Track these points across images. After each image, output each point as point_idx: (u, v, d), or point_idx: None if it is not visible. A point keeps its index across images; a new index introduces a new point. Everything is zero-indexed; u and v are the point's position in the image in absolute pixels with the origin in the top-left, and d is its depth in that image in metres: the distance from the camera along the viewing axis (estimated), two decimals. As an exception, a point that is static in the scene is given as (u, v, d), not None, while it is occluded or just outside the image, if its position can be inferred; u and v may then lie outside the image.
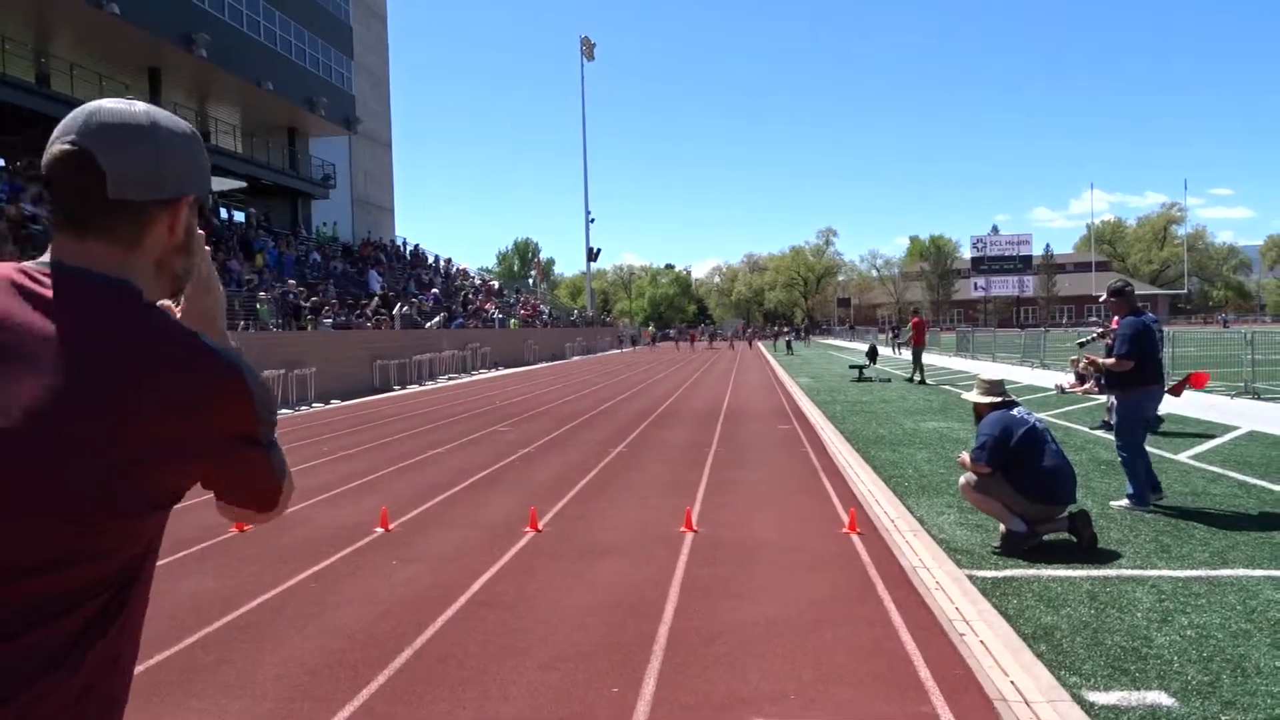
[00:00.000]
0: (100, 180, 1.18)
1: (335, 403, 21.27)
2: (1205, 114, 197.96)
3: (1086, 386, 15.80)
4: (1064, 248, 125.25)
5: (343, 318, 27.12)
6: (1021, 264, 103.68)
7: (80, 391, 1.10)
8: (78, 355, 1.11)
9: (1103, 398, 12.81)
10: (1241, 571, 5.48)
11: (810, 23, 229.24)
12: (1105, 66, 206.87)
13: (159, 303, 1.39)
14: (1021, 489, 6.00)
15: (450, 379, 30.35)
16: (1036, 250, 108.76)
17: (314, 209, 43.55)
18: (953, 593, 5.21)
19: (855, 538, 6.58)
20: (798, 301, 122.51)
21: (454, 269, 52.67)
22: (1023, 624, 4.65)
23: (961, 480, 6.46)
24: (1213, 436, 11.35)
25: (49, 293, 1.15)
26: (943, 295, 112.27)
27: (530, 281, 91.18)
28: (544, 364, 42.56)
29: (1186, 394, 13.80)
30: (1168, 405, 9.70)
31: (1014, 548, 5.97)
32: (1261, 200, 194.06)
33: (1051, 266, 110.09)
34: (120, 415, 1.11)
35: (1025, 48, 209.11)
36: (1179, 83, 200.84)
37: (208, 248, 1.41)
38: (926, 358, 25.42)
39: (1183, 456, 9.80)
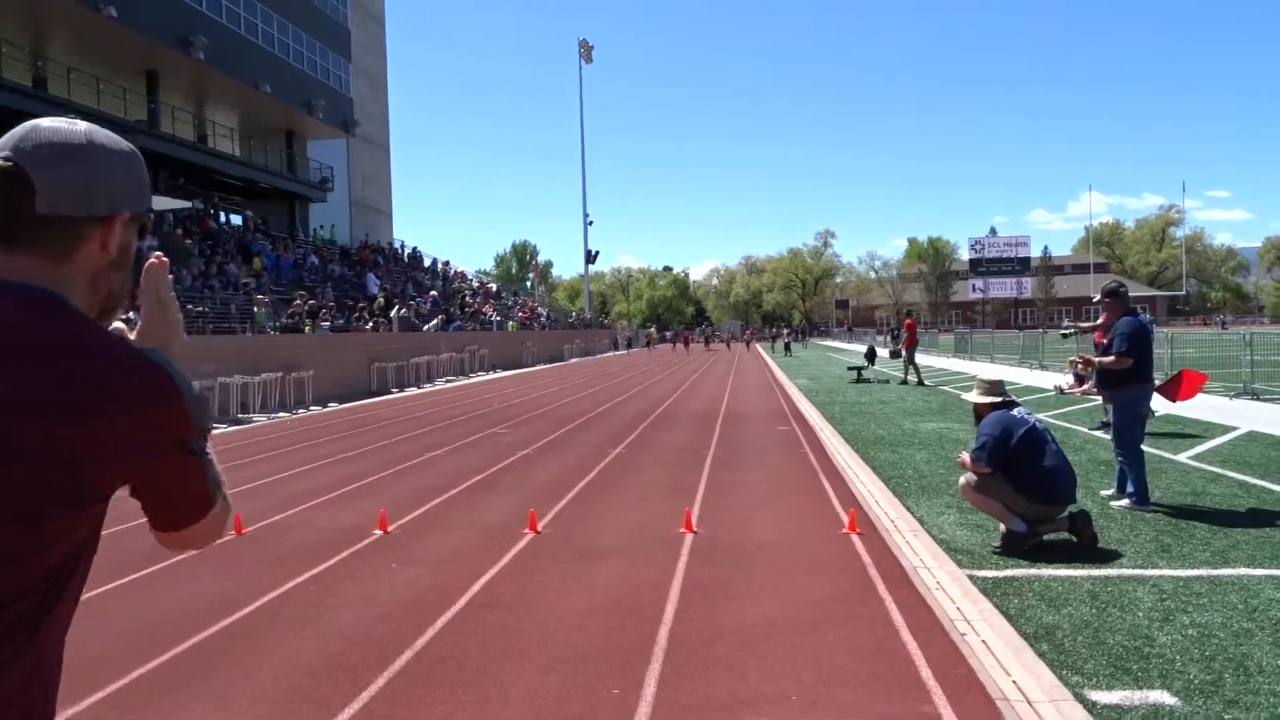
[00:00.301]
0: (30, 195, 1.18)
1: (333, 405, 21.24)
2: (1203, 116, 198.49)
3: (1085, 387, 15.78)
4: (1062, 250, 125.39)
5: (341, 321, 27.10)
6: (1019, 266, 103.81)
7: (3, 395, 1.09)
8: (5, 365, 1.11)
9: (1099, 399, 12.77)
10: (1243, 571, 5.47)
11: (808, 24, 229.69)
12: (1103, 68, 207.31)
13: (113, 325, 1.38)
14: (1021, 489, 5.99)
15: (448, 381, 30.33)
16: (1034, 252, 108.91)
17: (312, 212, 43.53)
18: (953, 593, 5.19)
19: (855, 538, 6.57)
20: (796, 303, 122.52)
21: (452, 272, 52.66)
22: (1024, 623, 4.63)
23: (961, 480, 6.45)
24: (1212, 437, 11.35)
25: None
26: (941, 297, 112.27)
27: (528, 284, 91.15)
28: (542, 366, 42.54)
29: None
30: (1170, 407, 9.70)
31: (1014, 548, 5.95)
32: (1259, 202, 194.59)
33: (1050, 268, 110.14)
34: (46, 418, 1.10)
35: (1023, 50, 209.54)
36: (1177, 85, 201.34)
37: (168, 274, 1.40)
38: (921, 359, 25.39)
39: (1182, 457, 9.79)
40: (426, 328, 33.01)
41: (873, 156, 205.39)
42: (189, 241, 26.26)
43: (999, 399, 6.37)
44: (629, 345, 72.79)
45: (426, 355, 30.27)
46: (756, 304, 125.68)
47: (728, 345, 69.03)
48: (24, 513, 1.11)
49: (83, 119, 1.29)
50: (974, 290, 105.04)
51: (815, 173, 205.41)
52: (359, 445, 13.09)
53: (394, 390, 26.18)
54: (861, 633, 4.60)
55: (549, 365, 43.70)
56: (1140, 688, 3.82)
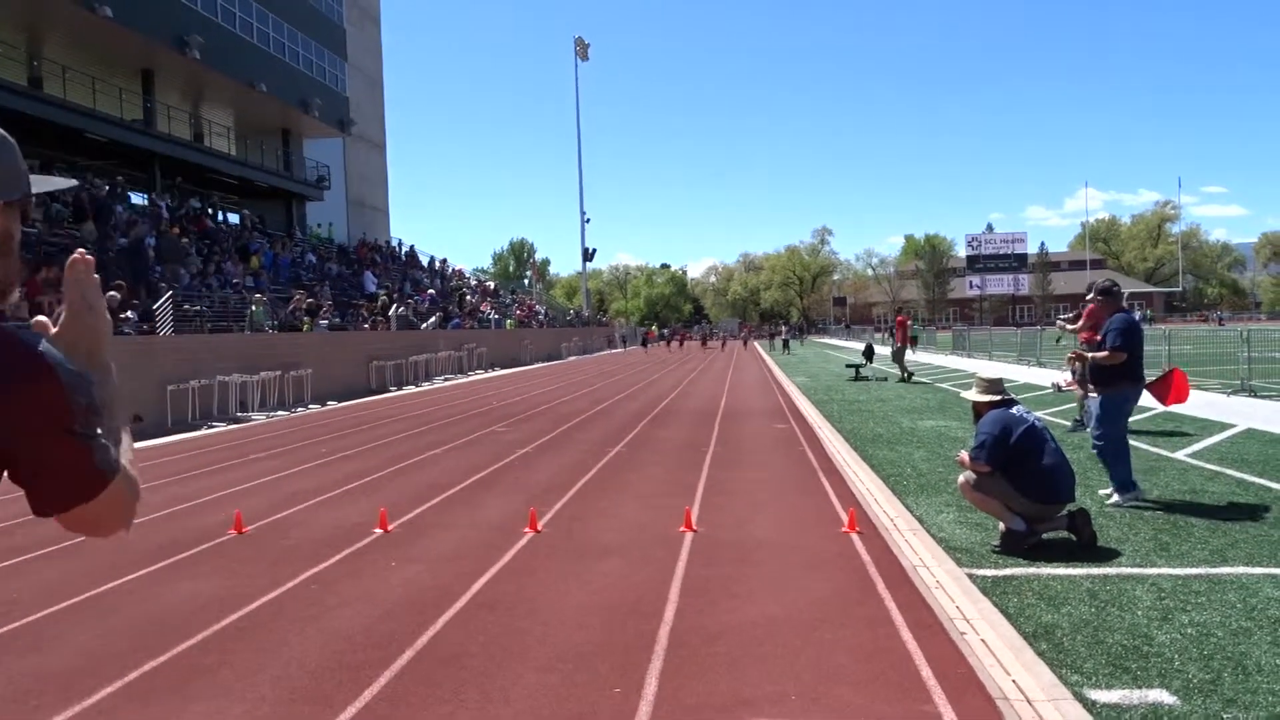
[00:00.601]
0: None
1: (332, 404, 21.24)
2: (1199, 112, 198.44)
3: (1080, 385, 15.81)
4: (1059, 246, 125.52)
5: (338, 319, 27.08)
6: (1016, 262, 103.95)
7: None
8: None
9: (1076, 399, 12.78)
10: (1241, 569, 5.49)
11: (805, 22, 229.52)
12: (1099, 64, 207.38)
13: (35, 319, 1.34)
14: (1021, 487, 6.00)
15: (447, 380, 30.32)
16: (1031, 248, 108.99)
17: (309, 211, 43.49)
18: (953, 591, 5.21)
19: (855, 537, 6.58)
20: (793, 301, 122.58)
21: (449, 270, 52.63)
22: (1023, 622, 4.65)
23: (960, 479, 6.46)
24: (1210, 434, 11.37)
25: None
26: (938, 294, 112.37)
27: (526, 282, 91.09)
28: (540, 364, 42.54)
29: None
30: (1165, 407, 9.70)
31: (1014, 546, 5.97)
32: (1255, 198, 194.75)
33: (1046, 265, 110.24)
34: None
35: (1019, 46, 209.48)
36: (1172, 80, 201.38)
37: (93, 273, 1.35)
38: (919, 356, 25.39)
39: (1180, 455, 9.81)
40: (424, 326, 33.00)
41: (869, 153, 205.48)
42: (185, 240, 26.22)
43: (998, 397, 6.38)
44: (623, 343, 70.40)
45: (425, 354, 30.26)
46: (754, 301, 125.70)
47: (723, 345, 66.36)
48: None
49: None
50: (971, 287, 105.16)
51: (812, 170, 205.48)
52: (358, 444, 13.09)
53: (392, 389, 26.18)
54: (861, 632, 4.62)
55: (547, 363, 43.70)
56: (1139, 687, 3.83)
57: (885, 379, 23.77)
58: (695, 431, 13.61)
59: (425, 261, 49.74)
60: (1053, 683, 3.89)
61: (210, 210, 34.74)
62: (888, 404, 17.28)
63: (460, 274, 55.20)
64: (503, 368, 38.12)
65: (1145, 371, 7.81)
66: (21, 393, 1.13)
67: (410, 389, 26.44)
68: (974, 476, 6.22)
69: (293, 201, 42.14)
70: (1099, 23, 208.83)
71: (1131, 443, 8.05)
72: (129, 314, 17.45)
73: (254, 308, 22.26)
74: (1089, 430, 8.40)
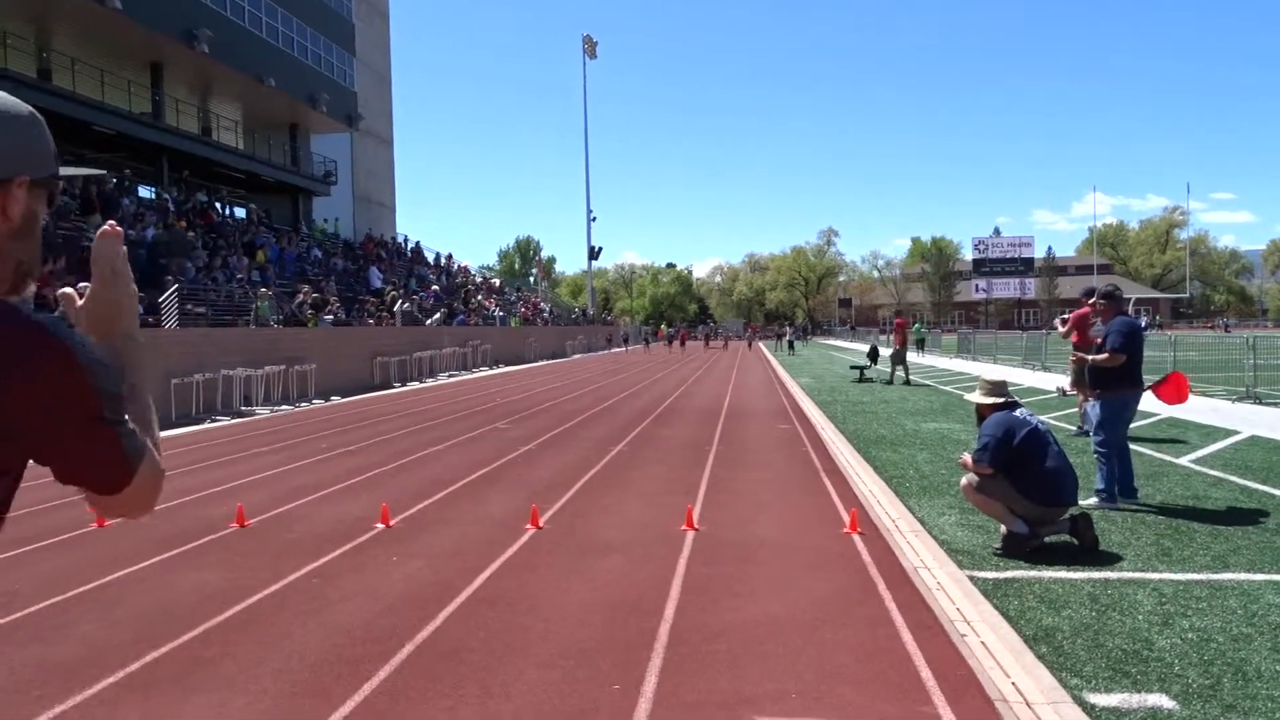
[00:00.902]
0: None
1: (336, 399, 21.27)
2: (1208, 117, 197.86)
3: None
4: (1066, 250, 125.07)
5: (343, 314, 27.12)
6: (1023, 266, 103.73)
7: None
8: None
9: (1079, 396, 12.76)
10: (1243, 576, 5.48)
11: (812, 22, 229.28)
12: (1107, 68, 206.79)
13: (62, 291, 1.34)
14: (1023, 490, 6.00)
15: (451, 376, 30.35)
16: (1038, 253, 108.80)
17: (315, 206, 43.55)
18: (954, 594, 5.21)
19: (856, 538, 6.58)
20: (799, 301, 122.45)
21: (455, 266, 52.69)
22: (1024, 625, 4.65)
23: (963, 481, 6.46)
24: (1214, 441, 11.35)
25: None
26: (944, 297, 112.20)
27: (531, 280, 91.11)
28: (545, 362, 42.56)
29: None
30: (1173, 410, 9.70)
31: (1015, 549, 5.96)
32: (1264, 205, 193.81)
33: (1053, 269, 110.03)
34: None
35: (1027, 49, 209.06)
36: (1182, 85, 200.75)
37: (121, 245, 1.35)
38: (926, 359, 25.32)
39: (1184, 460, 9.80)
40: (429, 322, 33.04)
41: (876, 155, 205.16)
42: (192, 234, 26.29)
43: (1002, 400, 6.37)
44: (625, 341, 66.81)
45: (429, 350, 30.30)
46: (759, 302, 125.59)
47: (725, 345, 62.63)
48: None
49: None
50: (977, 290, 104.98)
51: (819, 171, 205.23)
52: (361, 439, 13.11)
53: (396, 384, 26.22)
54: (862, 632, 4.62)
55: (551, 361, 43.72)
56: (1139, 691, 3.83)
57: (889, 381, 23.74)
58: (698, 430, 13.62)
59: (431, 258, 49.80)
60: (1052, 686, 3.89)
61: (217, 204, 34.80)
62: (891, 406, 17.27)
63: (466, 271, 55.25)
64: (507, 365, 38.16)
65: (1146, 376, 7.83)
66: (41, 377, 1.12)
67: (414, 385, 26.48)
68: (976, 479, 6.22)
69: (299, 196, 42.19)
70: (1108, 26, 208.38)
71: (1135, 448, 8.07)
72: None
73: (259, 302, 22.31)
74: (1090, 434, 8.41)
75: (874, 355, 29.63)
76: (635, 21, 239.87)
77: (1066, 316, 12.43)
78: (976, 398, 6.55)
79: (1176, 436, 11.71)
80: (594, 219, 74.36)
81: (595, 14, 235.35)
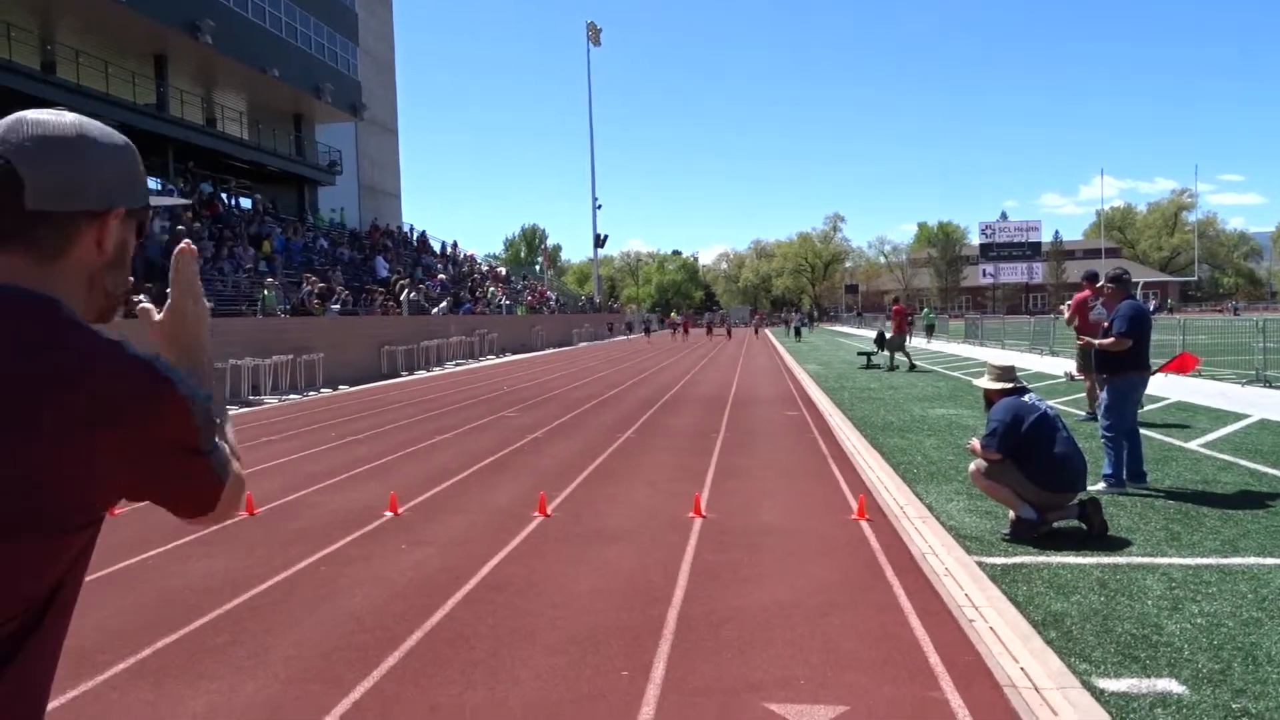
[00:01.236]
0: (19, 190, 1.13)
1: (343, 388, 21.32)
2: (1216, 99, 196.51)
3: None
4: (1074, 234, 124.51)
5: (350, 304, 27.15)
6: (1030, 251, 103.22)
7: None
8: None
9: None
10: (1253, 560, 5.46)
11: (818, 8, 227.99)
12: (1114, 51, 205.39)
13: (139, 306, 1.35)
14: (1031, 476, 5.98)
15: (457, 365, 30.39)
16: (1046, 237, 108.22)
17: (320, 195, 43.57)
18: (962, 579, 5.20)
19: (864, 524, 6.58)
20: (805, 288, 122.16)
21: (461, 254, 52.68)
22: (1032, 611, 4.64)
23: (971, 467, 6.44)
24: (1223, 424, 11.30)
25: None
26: (951, 282, 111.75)
27: (537, 268, 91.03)
28: (551, 350, 42.59)
29: (1194, 380, 13.74)
30: (1182, 393, 9.67)
31: (1024, 535, 5.95)
32: (1273, 186, 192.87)
33: (1061, 253, 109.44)
34: (40, 430, 1.06)
35: (1034, 32, 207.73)
36: (1190, 67, 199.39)
37: (193, 262, 1.36)
38: (934, 345, 25.22)
39: (1193, 444, 9.76)
40: (435, 311, 33.06)
41: (882, 140, 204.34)
42: (198, 225, 26.31)
43: (1010, 385, 6.35)
44: (628, 330, 64.23)
45: (436, 339, 30.33)
46: (766, 289, 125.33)
47: (729, 333, 59.12)
48: (10, 537, 1.05)
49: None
50: (984, 275, 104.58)
51: (824, 156, 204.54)
52: (369, 428, 13.14)
53: (403, 373, 26.26)
54: (870, 618, 4.62)
55: (558, 349, 43.74)
56: (1148, 676, 3.83)
57: (896, 367, 23.69)
58: (705, 418, 13.61)
59: (437, 247, 49.80)
60: (1061, 671, 3.89)
61: (223, 195, 34.83)
62: (899, 392, 17.24)
63: (472, 259, 55.23)
64: (514, 353, 38.19)
65: (1153, 360, 7.80)
66: (151, 419, 1.13)
67: (421, 374, 26.52)
68: (985, 464, 6.20)
69: (305, 186, 42.21)
70: (1116, 8, 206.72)
71: (1144, 432, 8.03)
72: (141, 298, 17.54)
73: (266, 292, 22.35)
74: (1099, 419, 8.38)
75: (881, 342, 29.55)
76: (639, 8, 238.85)
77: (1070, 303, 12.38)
78: (984, 383, 6.52)
79: (1185, 421, 11.67)
80: (599, 206, 74.31)
81: (599, 1, 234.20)
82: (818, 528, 6.55)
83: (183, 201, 1.71)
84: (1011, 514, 6.08)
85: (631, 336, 60.68)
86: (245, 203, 38.27)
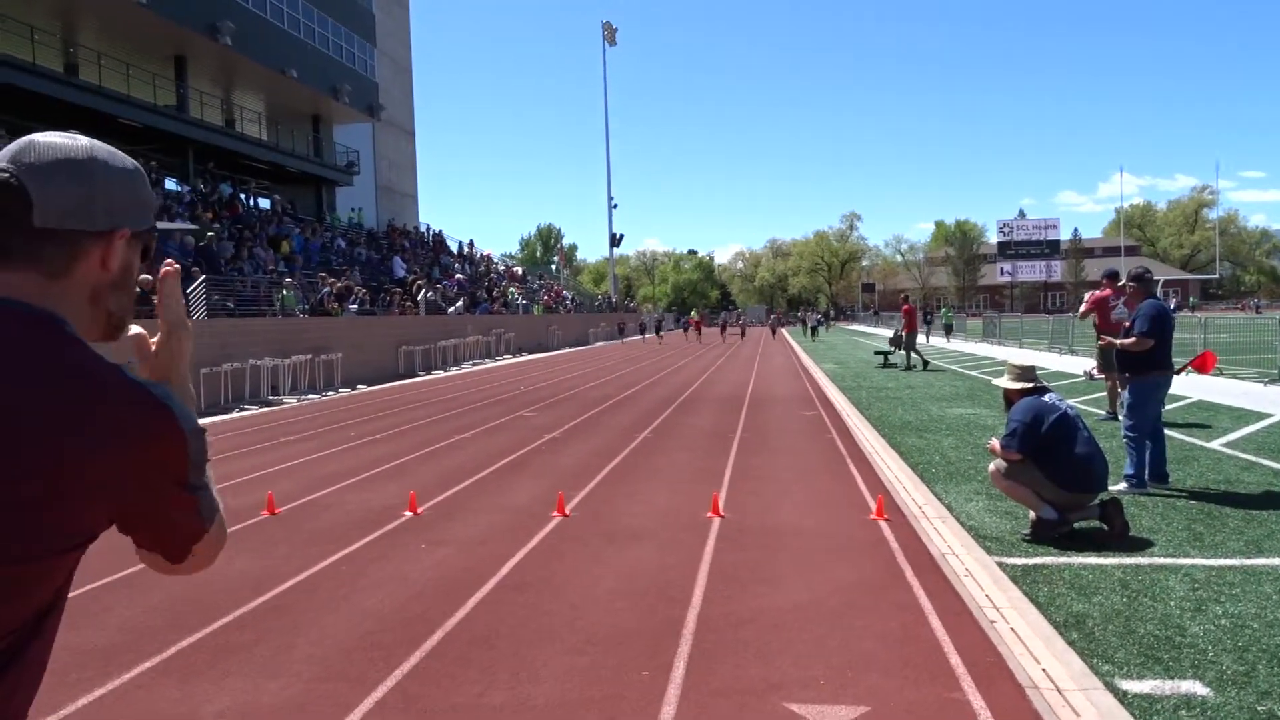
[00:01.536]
0: (27, 208, 1.16)
1: (361, 388, 21.44)
2: (1238, 95, 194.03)
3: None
4: (1092, 232, 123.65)
5: (367, 303, 27.28)
6: (1049, 249, 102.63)
7: None
8: None
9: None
10: (1277, 560, 5.41)
11: (832, 6, 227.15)
12: (1134, 46, 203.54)
13: (134, 334, 1.36)
14: (1052, 476, 5.95)
15: (474, 365, 30.49)
16: (1064, 234, 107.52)
17: (338, 196, 43.82)
18: (982, 580, 5.18)
19: (883, 524, 6.56)
20: (822, 287, 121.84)
21: (477, 254, 52.83)
22: (1054, 611, 4.62)
23: (991, 467, 6.41)
24: (1246, 424, 11.20)
25: None
26: (968, 280, 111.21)
27: (553, 267, 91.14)
28: (567, 349, 42.65)
29: (1216, 380, 13.61)
30: (1195, 389, 9.59)
31: (1044, 535, 5.92)
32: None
33: (1079, 251, 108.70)
34: (35, 451, 1.07)
35: (1050, 28, 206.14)
36: (1211, 62, 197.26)
37: (179, 284, 1.39)
38: (952, 344, 25.07)
39: (1215, 444, 9.68)
40: (451, 310, 33.19)
41: (898, 139, 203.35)
42: (217, 225, 26.52)
43: (1030, 384, 6.31)
44: (641, 331, 58.78)
45: (453, 338, 30.45)
46: (782, 287, 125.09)
47: (742, 333, 55.81)
48: (10, 559, 1.06)
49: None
50: (1002, 274, 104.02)
51: (840, 155, 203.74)
52: (388, 427, 13.21)
53: (421, 373, 26.37)
54: (890, 619, 4.61)
55: (574, 349, 43.80)
56: (1172, 678, 3.80)
57: (909, 367, 23.59)
58: (722, 418, 13.61)
59: (454, 247, 49.97)
60: (1083, 672, 3.87)
61: (242, 196, 35.07)
62: (916, 391, 17.17)
63: (488, 259, 55.37)
64: (530, 353, 38.27)
65: (1175, 359, 7.74)
66: (144, 445, 1.14)
67: (439, 373, 26.63)
68: (1004, 464, 6.17)
69: (323, 187, 42.46)
70: (1135, 2, 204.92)
71: (1166, 432, 7.97)
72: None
73: (285, 292, 22.49)
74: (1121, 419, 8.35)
75: (897, 341, 29.47)
76: (655, 7, 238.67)
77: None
78: (1004, 383, 6.49)
79: (1207, 420, 11.57)
80: (615, 206, 74.40)
81: (614, 1, 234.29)
82: (836, 528, 6.54)
83: (189, 226, 1.74)
84: (1032, 514, 6.05)
85: (645, 337, 56.10)
86: (264, 203, 38.52)
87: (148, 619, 4.81)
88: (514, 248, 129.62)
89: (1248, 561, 5.40)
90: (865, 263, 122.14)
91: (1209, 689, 3.67)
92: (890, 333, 33.77)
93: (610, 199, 74.26)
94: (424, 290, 31.88)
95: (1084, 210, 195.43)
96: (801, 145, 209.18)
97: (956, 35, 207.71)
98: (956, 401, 15.13)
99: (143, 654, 4.29)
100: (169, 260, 1.42)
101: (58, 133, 1.24)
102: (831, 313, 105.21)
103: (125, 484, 1.14)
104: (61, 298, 1.19)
